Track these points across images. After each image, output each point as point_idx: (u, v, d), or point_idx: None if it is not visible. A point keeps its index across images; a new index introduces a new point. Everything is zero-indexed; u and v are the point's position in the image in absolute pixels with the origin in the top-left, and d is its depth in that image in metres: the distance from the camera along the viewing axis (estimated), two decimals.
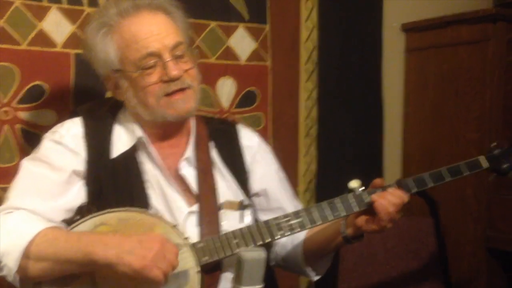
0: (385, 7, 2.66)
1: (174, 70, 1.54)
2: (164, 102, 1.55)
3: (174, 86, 1.55)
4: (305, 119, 2.49)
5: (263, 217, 1.73)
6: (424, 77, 2.71)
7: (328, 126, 2.53)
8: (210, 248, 1.49)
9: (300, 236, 1.73)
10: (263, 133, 2.28)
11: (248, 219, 1.65)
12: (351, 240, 1.61)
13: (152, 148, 1.62)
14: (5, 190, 1.81)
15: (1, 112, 1.88)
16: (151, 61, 1.54)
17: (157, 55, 1.54)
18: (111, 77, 1.61)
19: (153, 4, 1.59)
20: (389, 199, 1.53)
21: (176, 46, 1.56)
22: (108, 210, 1.47)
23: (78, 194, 1.56)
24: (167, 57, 1.54)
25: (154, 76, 1.54)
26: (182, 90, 1.57)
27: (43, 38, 1.91)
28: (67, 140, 1.58)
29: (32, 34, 1.90)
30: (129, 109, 1.64)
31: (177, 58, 1.56)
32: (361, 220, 1.57)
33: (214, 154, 1.71)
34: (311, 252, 1.72)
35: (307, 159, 2.50)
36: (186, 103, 1.58)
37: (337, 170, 2.53)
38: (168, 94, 1.55)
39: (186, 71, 1.57)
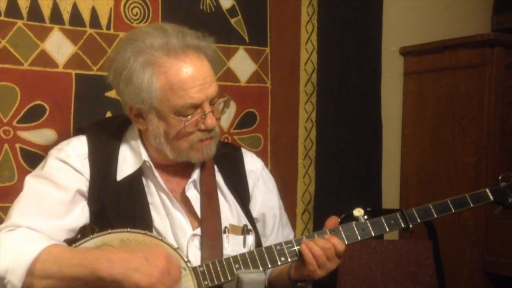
0: (384, 30, 2.69)
1: (213, 122, 1.56)
2: (195, 147, 1.58)
3: (208, 135, 1.58)
4: (304, 140, 2.50)
5: None
6: (422, 101, 2.73)
7: (326, 148, 2.54)
8: (211, 273, 1.49)
9: (268, 271, 1.73)
10: (262, 154, 2.29)
11: (251, 243, 1.65)
12: (294, 283, 1.59)
13: (156, 172, 1.62)
14: (3, 209, 1.83)
15: (1, 132, 1.88)
16: (192, 111, 1.54)
17: (199, 106, 1.54)
18: (138, 108, 1.57)
19: (200, 47, 1.56)
20: (320, 245, 1.51)
21: (215, 96, 1.58)
22: (110, 231, 1.48)
23: (81, 214, 1.56)
24: (207, 108, 1.55)
25: (191, 124, 1.55)
26: (211, 137, 1.60)
27: (45, 58, 1.92)
28: (73, 159, 1.58)
29: (34, 54, 1.90)
30: (149, 138, 1.61)
31: (214, 108, 1.58)
32: (296, 264, 1.56)
33: (219, 178, 1.72)
34: None
35: (306, 180, 2.51)
36: (211, 149, 1.61)
37: (335, 192, 2.53)
38: (200, 140, 1.58)
39: (217, 119, 1.60)
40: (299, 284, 1.59)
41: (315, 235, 1.56)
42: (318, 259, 1.50)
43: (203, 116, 1.55)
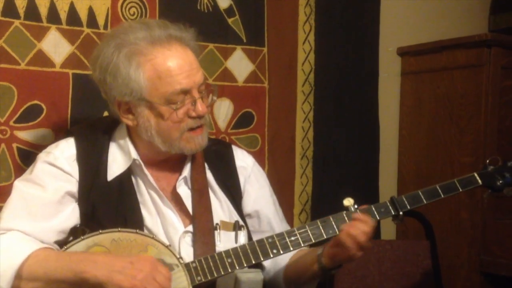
0: (381, 31, 2.69)
1: (203, 108, 1.57)
2: (186, 137, 1.58)
3: (198, 122, 1.58)
4: (301, 140, 2.50)
5: (253, 238, 1.73)
6: (419, 101, 2.73)
7: (324, 148, 2.54)
8: (204, 268, 1.50)
9: (282, 263, 1.74)
10: (259, 154, 2.30)
11: (243, 239, 1.66)
12: (327, 271, 1.60)
13: (146, 170, 1.62)
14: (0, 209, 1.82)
15: None
16: (182, 97, 1.55)
17: (188, 91, 1.55)
18: (126, 103, 1.58)
19: (183, 38, 1.59)
20: (361, 229, 1.52)
21: (203, 83, 1.59)
22: (101, 231, 1.48)
23: (71, 215, 1.56)
24: (196, 94, 1.56)
25: (181, 111, 1.56)
26: (201, 126, 1.60)
27: (42, 58, 1.92)
28: (61, 162, 1.58)
29: (31, 54, 1.90)
30: (140, 134, 1.61)
31: (202, 94, 1.59)
32: (333, 249, 1.57)
33: (209, 175, 1.73)
34: (291, 280, 1.72)
35: (303, 180, 2.51)
36: (203, 139, 1.62)
37: (333, 192, 2.53)
38: (190, 129, 1.58)
39: (206, 107, 1.61)
40: (332, 271, 1.61)
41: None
42: (359, 242, 1.51)
43: (193, 103, 1.56)
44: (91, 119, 1.94)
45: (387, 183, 2.77)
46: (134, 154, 1.62)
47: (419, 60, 2.74)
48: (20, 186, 1.57)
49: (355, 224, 1.53)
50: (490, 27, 2.97)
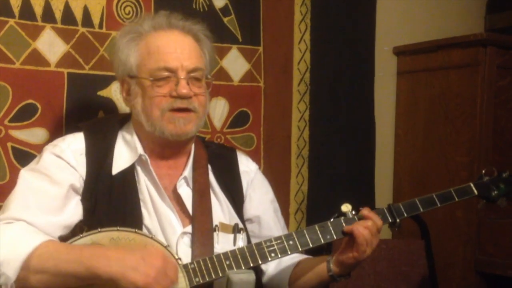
0: (377, 30, 2.69)
1: (184, 88, 1.58)
2: (167, 117, 1.59)
3: (180, 103, 1.59)
4: (297, 140, 2.50)
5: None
6: (415, 100, 2.74)
7: (319, 147, 2.54)
8: (202, 270, 1.49)
9: (288, 268, 1.75)
10: (255, 154, 2.30)
11: (241, 242, 1.66)
12: (336, 278, 1.61)
13: (152, 167, 1.63)
14: None
15: None
16: (165, 74, 1.58)
17: (172, 71, 1.58)
18: (126, 82, 1.65)
19: (186, 27, 1.65)
20: (364, 225, 1.55)
21: (194, 70, 1.61)
22: (99, 229, 1.47)
23: (75, 210, 1.56)
24: (181, 75, 1.58)
25: (164, 89, 1.59)
26: (187, 110, 1.60)
27: (36, 57, 1.91)
28: (67, 154, 1.59)
29: (26, 53, 1.90)
30: (133, 117, 1.66)
31: (192, 80, 1.60)
32: (342, 255, 1.58)
33: (211, 177, 1.73)
34: (297, 284, 1.72)
35: (299, 180, 2.51)
36: (187, 124, 1.61)
37: (328, 191, 2.53)
38: (173, 110, 1.58)
39: (196, 94, 1.61)
40: (342, 279, 1.63)
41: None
42: (365, 237, 1.54)
43: (176, 84, 1.58)
44: (92, 117, 1.96)
45: (383, 182, 2.77)
46: (140, 149, 1.64)
47: (415, 60, 2.74)
48: (27, 176, 1.56)
49: (360, 222, 1.57)
50: (486, 27, 2.97)
